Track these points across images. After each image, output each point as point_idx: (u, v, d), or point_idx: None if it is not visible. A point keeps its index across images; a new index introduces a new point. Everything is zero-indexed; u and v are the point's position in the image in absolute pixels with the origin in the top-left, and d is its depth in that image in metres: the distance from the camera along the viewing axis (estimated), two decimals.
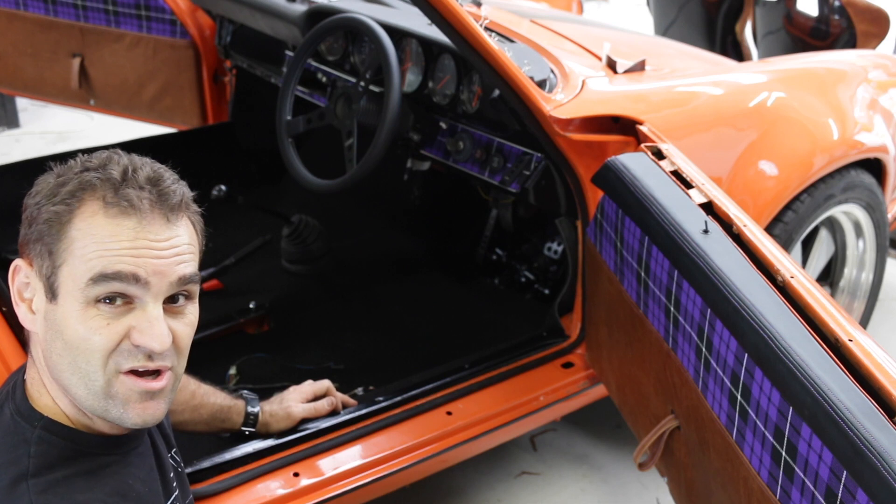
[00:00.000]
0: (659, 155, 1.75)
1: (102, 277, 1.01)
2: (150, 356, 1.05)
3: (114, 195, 1.02)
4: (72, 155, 1.13)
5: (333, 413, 1.82)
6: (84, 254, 1.01)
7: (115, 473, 1.07)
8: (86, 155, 1.08)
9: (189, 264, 1.08)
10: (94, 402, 1.05)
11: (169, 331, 1.05)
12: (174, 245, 1.06)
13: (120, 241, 1.02)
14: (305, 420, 1.77)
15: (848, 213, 2.47)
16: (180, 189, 1.09)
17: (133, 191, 1.03)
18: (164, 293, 1.05)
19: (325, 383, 1.84)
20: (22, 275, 1.07)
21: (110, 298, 1.02)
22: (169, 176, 1.09)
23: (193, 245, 1.10)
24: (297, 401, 1.77)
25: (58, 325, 1.03)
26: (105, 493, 1.04)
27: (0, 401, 1.11)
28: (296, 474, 1.70)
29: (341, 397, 1.86)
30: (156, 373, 1.06)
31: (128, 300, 1.03)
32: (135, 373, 1.05)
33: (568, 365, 2.11)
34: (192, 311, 1.11)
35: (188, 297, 1.10)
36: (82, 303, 1.02)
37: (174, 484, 1.22)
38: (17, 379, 1.13)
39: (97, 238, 1.02)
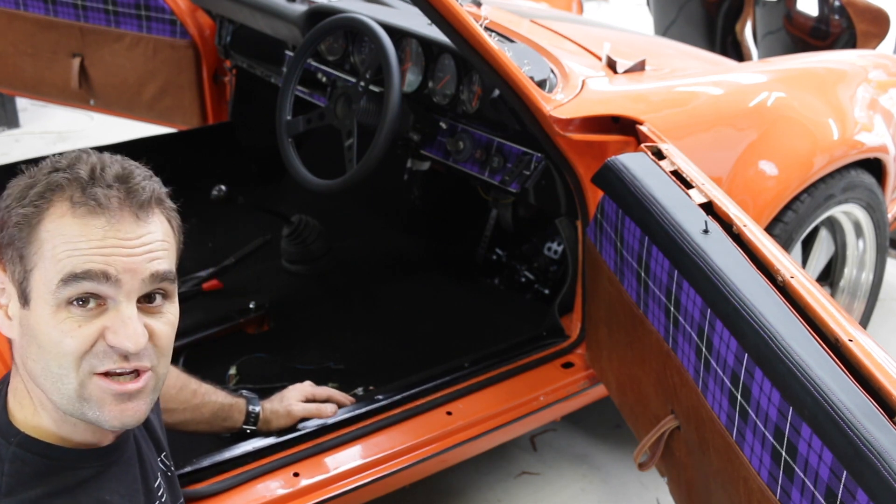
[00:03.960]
0: (659, 155, 1.75)
1: (73, 277, 0.99)
2: (125, 357, 1.03)
3: (81, 195, 1.01)
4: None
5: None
6: (53, 255, 1.00)
7: (92, 489, 1.05)
8: (57, 155, 1.06)
9: (163, 261, 1.05)
10: (69, 406, 1.04)
11: (144, 330, 1.03)
12: (145, 242, 1.03)
13: (89, 240, 1.00)
14: (305, 419, 1.77)
15: (848, 213, 2.47)
16: (150, 185, 1.06)
17: (101, 189, 1.01)
18: (136, 292, 1.03)
19: (326, 391, 1.84)
20: None
21: (82, 300, 1.01)
22: (140, 173, 1.06)
23: (168, 242, 1.08)
24: (298, 399, 1.77)
25: (31, 330, 1.02)
26: None
27: None
28: (296, 474, 1.70)
29: (344, 397, 1.86)
30: (134, 373, 1.05)
31: (101, 302, 1.02)
32: (109, 375, 1.03)
33: (568, 365, 2.11)
34: (170, 311, 1.08)
35: (165, 295, 1.07)
36: (53, 306, 1.00)
37: (161, 490, 1.20)
38: (1, 391, 1.11)
39: (66, 238, 1.00)
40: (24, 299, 1.02)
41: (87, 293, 1.00)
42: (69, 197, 1.01)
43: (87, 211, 1.00)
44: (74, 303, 1.00)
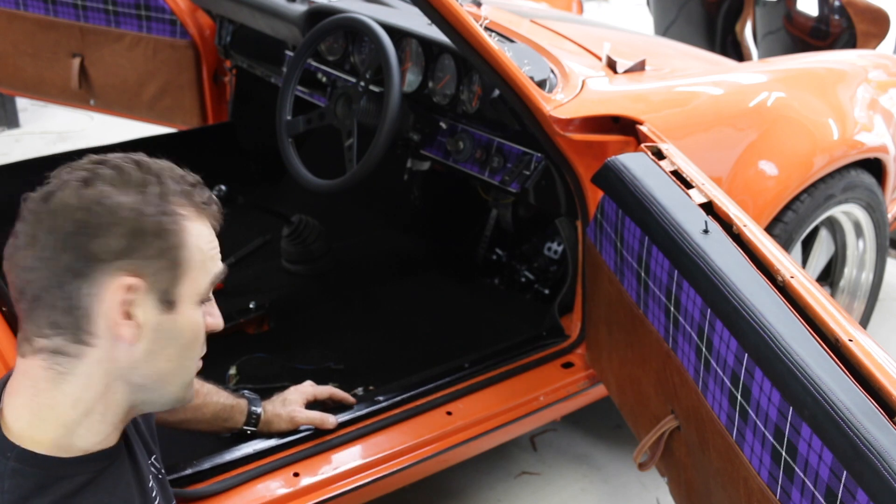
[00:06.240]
0: (659, 155, 1.75)
1: (217, 276, 1.11)
2: None
3: (201, 199, 1.09)
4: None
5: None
6: (202, 259, 1.08)
7: (90, 493, 1.05)
8: (131, 161, 1.07)
9: None
10: (178, 394, 1.13)
11: None
12: None
13: (213, 241, 1.11)
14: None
15: (848, 213, 2.47)
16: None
17: (206, 194, 1.11)
18: None
19: (328, 390, 1.84)
20: (124, 292, 1.02)
21: None
22: None
23: None
24: (300, 403, 1.77)
25: (175, 332, 1.07)
26: None
27: None
28: (296, 474, 1.71)
29: (346, 396, 1.86)
30: None
31: None
32: None
33: (568, 365, 2.11)
34: None
35: None
36: (198, 304, 1.09)
37: (154, 493, 1.20)
38: None
39: (206, 240, 1.09)
40: (169, 304, 1.06)
41: None
42: (193, 203, 1.08)
43: (209, 214, 1.10)
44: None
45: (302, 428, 1.76)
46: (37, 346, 1.03)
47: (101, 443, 1.08)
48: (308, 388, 1.81)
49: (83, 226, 1.00)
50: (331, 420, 1.77)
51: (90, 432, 1.06)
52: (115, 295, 1.01)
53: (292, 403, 1.76)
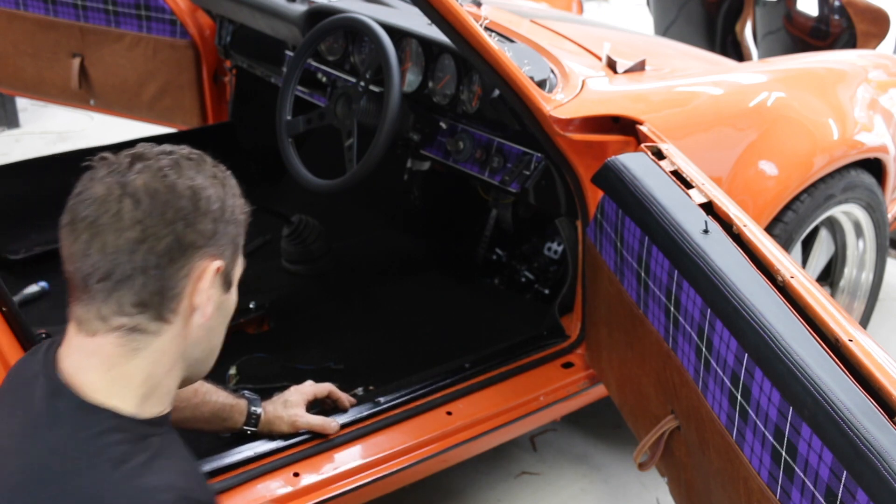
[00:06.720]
0: (659, 155, 1.75)
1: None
2: None
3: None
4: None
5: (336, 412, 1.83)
6: (242, 244, 1.20)
7: (168, 447, 1.10)
8: (195, 154, 1.21)
9: None
10: (209, 370, 1.22)
11: None
12: None
13: None
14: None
15: (848, 213, 2.47)
16: None
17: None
18: None
19: (328, 387, 1.84)
20: (213, 274, 1.12)
21: None
22: None
23: None
24: (301, 405, 1.77)
25: (227, 310, 1.20)
26: (183, 463, 1.10)
27: (44, 398, 1.07)
28: (296, 474, 1.70)
29: (345, 397, 1.86)
30: None
31: None
32: None
33: (568, 365, 2.11)
34: None
35: None
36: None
37: None
38: (50, 379, 1.08)
39: None
40: (228, 284, 1.18)
41: None
42: (239, 196, 1.22)
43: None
44: None
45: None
46: (114, 325, 1.06)
47: (163, 411, 1.13)
48: (308, 389, 1.80)
49: (183, 212, 1.08)
50: (332, 425, 1.77)
51: (155, 402, 1.11)
52: (206, 276, 1.11)
53: (294, 406, 1.76)
